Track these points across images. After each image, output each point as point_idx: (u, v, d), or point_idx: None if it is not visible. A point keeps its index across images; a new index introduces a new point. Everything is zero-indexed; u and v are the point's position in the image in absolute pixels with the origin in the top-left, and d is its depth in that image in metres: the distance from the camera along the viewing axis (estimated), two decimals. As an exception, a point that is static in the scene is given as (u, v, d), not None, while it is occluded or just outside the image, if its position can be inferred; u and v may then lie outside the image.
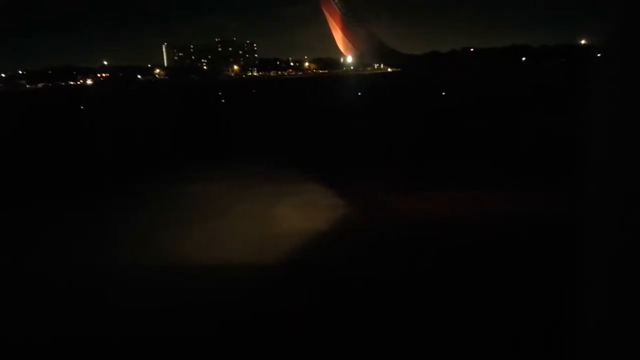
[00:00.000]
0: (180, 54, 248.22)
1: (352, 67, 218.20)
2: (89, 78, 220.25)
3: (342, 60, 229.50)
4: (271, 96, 74.82)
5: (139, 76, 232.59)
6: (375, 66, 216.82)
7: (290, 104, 56.98)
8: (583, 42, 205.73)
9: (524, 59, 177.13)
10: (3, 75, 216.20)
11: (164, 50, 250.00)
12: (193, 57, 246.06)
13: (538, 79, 73.63)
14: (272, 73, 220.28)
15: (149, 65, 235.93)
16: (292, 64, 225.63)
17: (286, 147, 24.27)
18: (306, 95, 72.48)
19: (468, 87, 65.40)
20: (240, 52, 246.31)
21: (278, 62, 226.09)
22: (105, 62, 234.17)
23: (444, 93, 56.69)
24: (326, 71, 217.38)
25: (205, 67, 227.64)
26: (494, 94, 51.25)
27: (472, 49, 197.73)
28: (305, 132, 29.87)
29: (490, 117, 31.58)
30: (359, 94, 67.14)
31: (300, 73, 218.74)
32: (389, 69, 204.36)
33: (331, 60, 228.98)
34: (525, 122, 28.24)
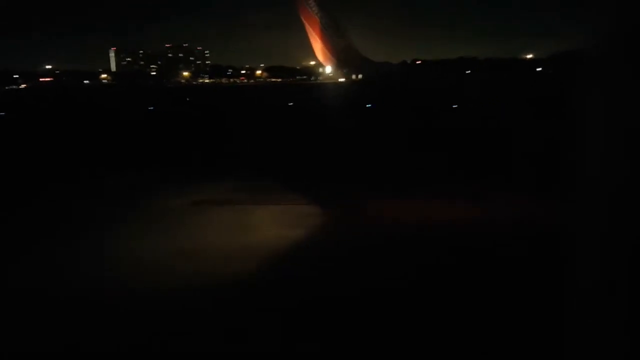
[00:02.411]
0: (128, 59, 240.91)
1: (304, 77, 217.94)
2: (29, 83, 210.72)
3: (298, 68, 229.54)
4: (203, 104, 72.73)
5: (85, 81, 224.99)
6: (330, 74, 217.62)
7: (215, 113, 55.16)
8: (530, 56, 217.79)
9: (468, 71, 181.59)
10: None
11: (111, 55, 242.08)
12: (142, 63, 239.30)
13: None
14: (224, 80, 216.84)
15: (100, 70, 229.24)
16: (243, 71, 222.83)
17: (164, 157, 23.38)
18: (238, 103, 71.57)
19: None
20: (192, 58, 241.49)
21: (230, 70, 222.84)
22: (49, 67, 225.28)
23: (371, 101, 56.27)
24: (279, 80, 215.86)
25: (153, 73, 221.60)
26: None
27: (418, 62, 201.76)
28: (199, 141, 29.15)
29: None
30: (290, 103, 65.99)
31: (252, 81, 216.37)
32: (341, 79, 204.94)
33: (285, 69, 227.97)
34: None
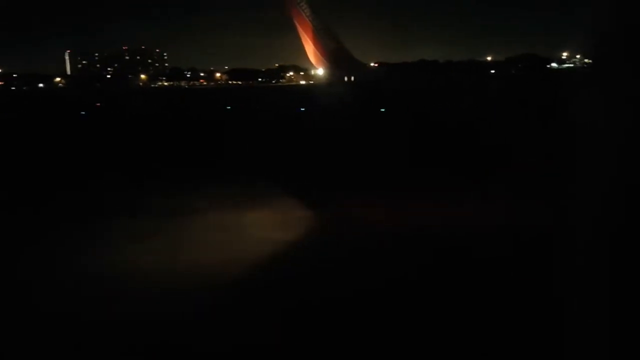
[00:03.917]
0: (84, 62, 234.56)
1: (266, 79, 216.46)
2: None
3: (262, 70, 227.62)
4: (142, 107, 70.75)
5: (40, 85, 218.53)
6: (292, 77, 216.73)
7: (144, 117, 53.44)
8: (489, 58, 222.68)
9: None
10: None
11: (67, 57, 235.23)
12: (98, 65, 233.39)
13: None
14: (183, 83, 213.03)
15: (66, 73, 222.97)
16: (202, 74, 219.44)
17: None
18: (176, 106, 70.21)
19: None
20: (150, 60, 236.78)
21: (190, 72, 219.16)
22: (0, 70, 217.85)
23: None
24: (239, 82, 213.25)
25: (108, 76, 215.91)
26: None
27: (376, 64, 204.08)
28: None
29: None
30: (228, 107, 64.64)
31: (212, 83, 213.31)
32: (302, 82, 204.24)
33: (248, 71, 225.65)
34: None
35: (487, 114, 36.44)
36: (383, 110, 47.80)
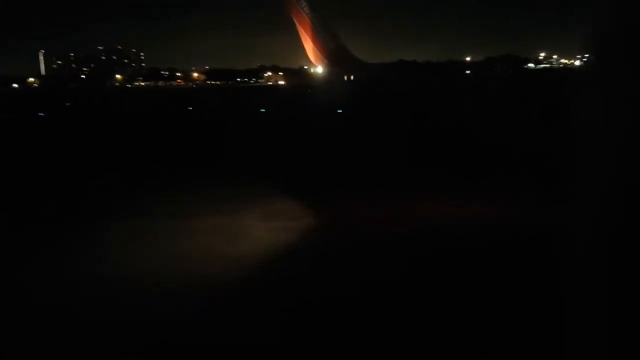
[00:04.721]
0: (59, 62, 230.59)
1: (242, 79, 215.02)
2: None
3: (243, 70, 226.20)
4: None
5: (14, 85, 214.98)
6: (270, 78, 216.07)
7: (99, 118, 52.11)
8: (468, 58, 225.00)
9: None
10: None
11: (41, 58, 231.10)
12: (74, 66, 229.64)
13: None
14: (160, 83, 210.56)
15: (40, 74, 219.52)
16: (179, 74, 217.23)
17: None
18: (136, 107, 68.77)
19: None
20: (126, 60, 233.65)
21: (167, 72, 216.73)
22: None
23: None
24: (218, 82, 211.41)
25: (83, 77, 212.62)
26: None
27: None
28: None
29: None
30: (190, 108, 63.46)
31: (190, 83, 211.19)
32: (281, 82, 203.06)
33: (228, 71, 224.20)
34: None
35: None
36: (340, 111, 47.08)
